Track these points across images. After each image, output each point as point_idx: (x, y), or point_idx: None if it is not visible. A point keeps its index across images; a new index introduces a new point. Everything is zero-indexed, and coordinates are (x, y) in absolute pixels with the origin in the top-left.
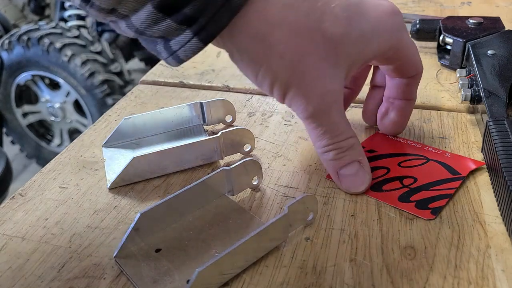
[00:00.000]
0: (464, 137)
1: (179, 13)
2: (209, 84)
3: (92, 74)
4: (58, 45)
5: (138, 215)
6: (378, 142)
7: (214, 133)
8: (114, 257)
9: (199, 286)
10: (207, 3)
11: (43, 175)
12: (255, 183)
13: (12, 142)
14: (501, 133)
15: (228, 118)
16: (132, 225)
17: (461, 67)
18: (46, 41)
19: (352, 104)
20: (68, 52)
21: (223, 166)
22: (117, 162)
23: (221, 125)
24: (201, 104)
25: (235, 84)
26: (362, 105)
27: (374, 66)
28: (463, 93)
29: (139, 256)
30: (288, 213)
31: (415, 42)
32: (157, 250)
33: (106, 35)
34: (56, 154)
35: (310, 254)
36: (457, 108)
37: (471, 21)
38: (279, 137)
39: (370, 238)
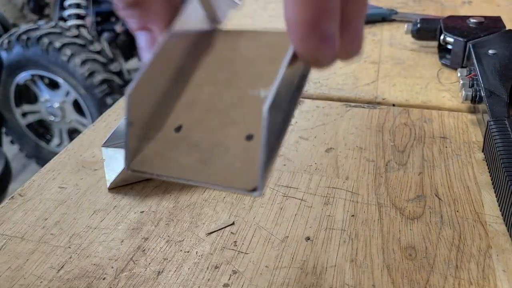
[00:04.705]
0: (465, 137)
1: None
2: None
3: (91, 74)
4: (57, 44)
5: (126, 97)
6: None
7: None
8: (129, 169)
9: (274, 136)
10: None
11: (42, 175)
12: None
13: (12, 142)
14: (502, 132)
15: None
16: (123, 122)
17: (462, 67)
18: (46, 40)
19: (352, 104)
20: (68, 51)
21: None
22: (116, 162)
23: None
24: None
25: None
26: (362, 105)
27: None
28: (464, 92)
29: (160, 149)
30: None
31: (416, 41)
32: (178, 129)
33: (105, 35)
34: (56, 154)
35: (311, 254)
36: (458, 108)
37: (472, 20)
38: None
39: (371, 239)
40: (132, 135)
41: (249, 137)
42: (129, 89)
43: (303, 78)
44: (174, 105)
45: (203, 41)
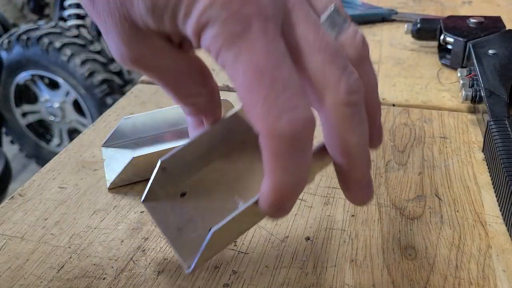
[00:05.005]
0: (465, 137)
1: None
2: None
3: (91, 74)
4: (57, 44)
5: (171, 153)
6: None
7: None
8: (142, 201)
9: (215, 245)
10: None
11: (42, 175)
12: None
13: (12, 142)
14: (502, 132)
15: None
16: (158, 165)
17: (462, 67)
18: (46, 40)
19: None
20: (68, 51)
21: None
22: (116, 162)
23: None
24: None
25: None
26: None
27: None
28: (464, 92)
29: (165, 201)
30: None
31: (416, 41)
32: (182, 194)
33: None
34: (56, 154)
35: (311, 254)
36: (458, 108)
37: (472, 20)
38: None
39: (371, 238)
40: (157, 180)
41: (209, 230)
42: (175, 150)
43: (258, 217)
44: (191, 176)
45: (237, 136)
